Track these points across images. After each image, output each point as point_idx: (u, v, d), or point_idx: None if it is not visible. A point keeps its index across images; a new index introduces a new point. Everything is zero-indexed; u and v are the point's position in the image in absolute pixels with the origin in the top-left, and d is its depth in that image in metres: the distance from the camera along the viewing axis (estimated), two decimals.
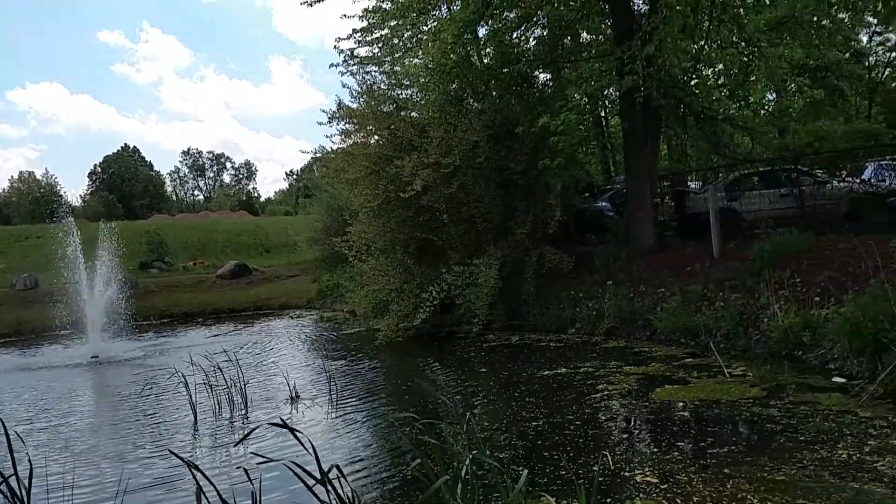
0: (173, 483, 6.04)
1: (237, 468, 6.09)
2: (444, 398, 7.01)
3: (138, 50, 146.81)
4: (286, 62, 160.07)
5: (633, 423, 7.12)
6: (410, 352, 13.19)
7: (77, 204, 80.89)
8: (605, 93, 16.96)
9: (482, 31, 14.84)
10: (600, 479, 4.96)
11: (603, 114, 21.87)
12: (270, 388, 10.26)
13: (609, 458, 5.65)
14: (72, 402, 11.12)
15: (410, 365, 12.00)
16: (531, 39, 15.52)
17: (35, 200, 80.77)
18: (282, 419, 3.80)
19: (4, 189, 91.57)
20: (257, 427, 3.96)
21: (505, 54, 14.74)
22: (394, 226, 14.73)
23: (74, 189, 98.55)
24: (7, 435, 4.34)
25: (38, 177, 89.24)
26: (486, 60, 15.39)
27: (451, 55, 13.74)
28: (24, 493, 4.50)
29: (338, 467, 3.34)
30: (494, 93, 15.10)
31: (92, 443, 8.04)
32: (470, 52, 14.89)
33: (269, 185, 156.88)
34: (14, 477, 4.59)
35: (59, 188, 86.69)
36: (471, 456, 3.75)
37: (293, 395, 9.22)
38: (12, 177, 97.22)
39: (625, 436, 6.77)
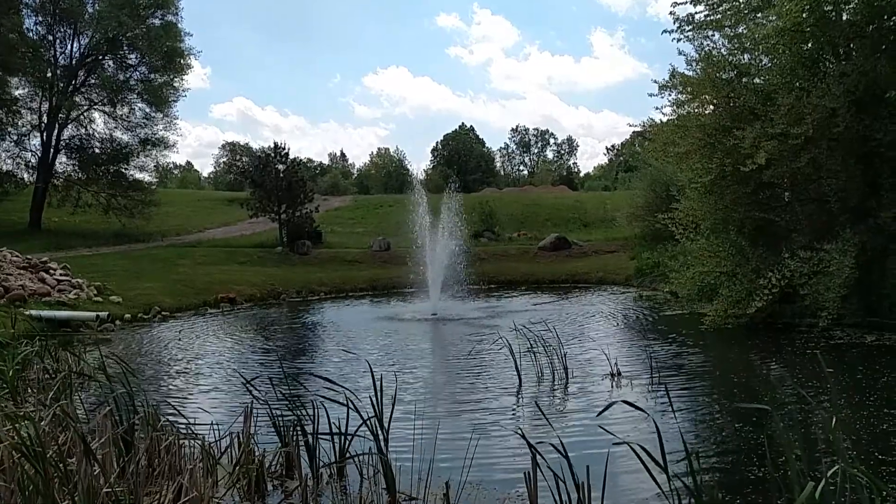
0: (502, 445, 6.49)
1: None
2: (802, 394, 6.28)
3: (471, 32, 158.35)
4: (608, 34, 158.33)
5: None
6: (740, 341, 12.17)
7: (421, 177, 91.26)
8: None
9: None
10: None
11: None
12: (590, 360, 10.35)
13: None
14: (416, 354, 12.56)
15: (740, 355, 11.09)
16: None
17: (388, 174, 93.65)
18: (626, 401, 3.78)
19: (365, 164, 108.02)
20: (613, 403, 4.02)
21: (873, 8, 12.45)
22: (727, 203, 13.61)
23: (418, 163, 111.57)
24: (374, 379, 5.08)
25: (391, 153, 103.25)
26: (846, 16, 13.19)
27: (809, 12, 12.05)
28: (382, 432, 5.29)
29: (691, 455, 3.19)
30: (857, 52, 12.89)
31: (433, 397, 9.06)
32: (829, 7, 12.90)
33: (586, 159, 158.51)
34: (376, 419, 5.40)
35: (406, 163, 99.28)
36: (839, 466, 3.27)
37: (613, 371, 9.18)
38: (372, 153, 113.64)
39: None
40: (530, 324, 11.94)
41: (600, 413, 4.01)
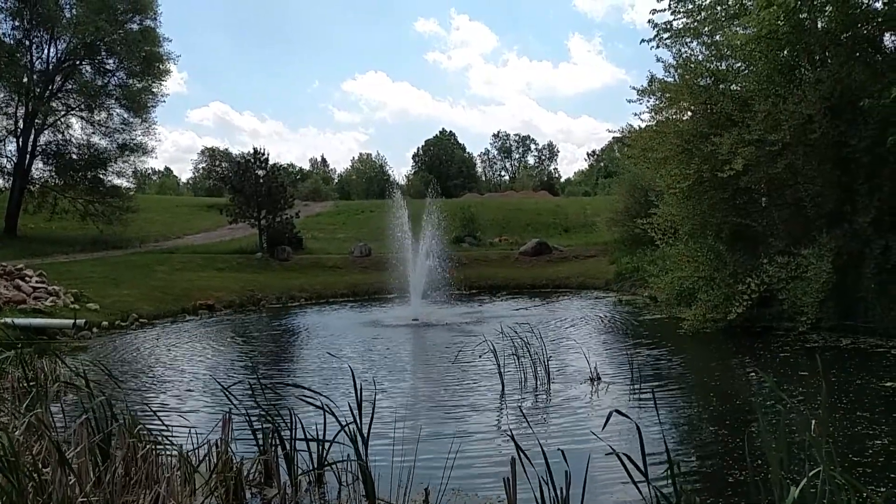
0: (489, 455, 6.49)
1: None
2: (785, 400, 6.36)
3: (450, 38, 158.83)
4: (585, 40, 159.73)
5: None
6: (718, 345, 12.29)
7: (402, 183, 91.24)
8: None
9: None
10: None
11: None
12: (570, 365, 10.41)
13: None
14: (396, 359, 12.55)
15: (718, 359, 11.19)
16: None
17: (369, 179, 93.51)
18: (618, 410, 3.81)
19: (346, 169, 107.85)
20: (612, 414, 4.10)
21: (847, 16, 12.69)
22: (705, 208, 13.78)
23: (399, 169, 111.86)
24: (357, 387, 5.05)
25: (373, 158, 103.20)
26: (821, 24, 13.44)
27: (784, 20, 12.25)
28: (360, 439, 5.26)
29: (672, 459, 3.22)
30: (832, 60, 13.13)
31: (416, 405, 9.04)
32: (804, 15, 13.12)
33: (565, 165, 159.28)
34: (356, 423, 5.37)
35: (387, 168, 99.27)
36: (822, 469, 3.31)
37: (593, 375, 9.22)
38: (353, 158, 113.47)
39: None
40: (513, 327, 11.97)
41: (604, 426, 4.08)
